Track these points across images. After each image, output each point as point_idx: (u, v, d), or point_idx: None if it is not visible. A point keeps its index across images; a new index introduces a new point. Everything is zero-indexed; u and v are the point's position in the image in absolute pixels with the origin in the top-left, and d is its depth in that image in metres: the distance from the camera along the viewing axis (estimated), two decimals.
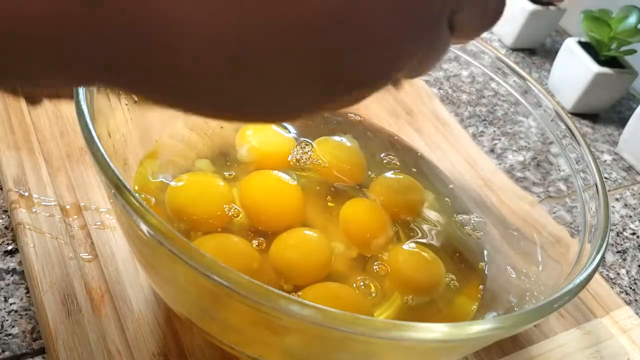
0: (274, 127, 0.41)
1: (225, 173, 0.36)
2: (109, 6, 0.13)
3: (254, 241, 0.33)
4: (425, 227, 0.38)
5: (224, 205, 0.33)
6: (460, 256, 0.37)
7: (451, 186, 0.41)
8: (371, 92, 0.18)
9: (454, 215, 0.39)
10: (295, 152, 0.39)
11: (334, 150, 0.40)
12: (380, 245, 0.35)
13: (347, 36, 0.15)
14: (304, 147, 0.39)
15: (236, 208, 0.34)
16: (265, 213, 0.34)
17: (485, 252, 0.37)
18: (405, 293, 0.33)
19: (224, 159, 0.37)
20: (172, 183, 0.34)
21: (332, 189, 0.38)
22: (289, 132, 0.41)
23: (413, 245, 0.36)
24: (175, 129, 0.38)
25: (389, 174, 0.40)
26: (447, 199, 0.40)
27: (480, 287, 0.35)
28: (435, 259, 0.35)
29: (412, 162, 0.42)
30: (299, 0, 0.14)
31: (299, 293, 0.31)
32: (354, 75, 0.16)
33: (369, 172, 0.40)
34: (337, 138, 0.42)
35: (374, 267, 0.34)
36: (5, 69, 0.14)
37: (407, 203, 0.39)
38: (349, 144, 0.41)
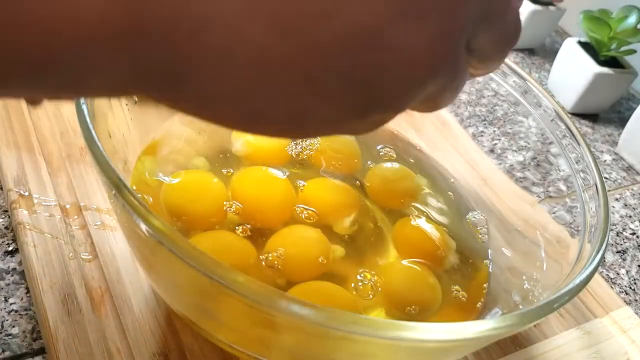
0: None
1: (223, 170, 0.36)
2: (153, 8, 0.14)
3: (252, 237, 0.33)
4: (428, 217, 0.38)
5: (220, 202, 0.33)
6: (465, 253, 0.37)
7: (452, 180, 0.41)
8: (388, 117, 0.18)
9: (458, 209, 0.39)
10: (292, 147, 0.39)
11: (329, 141, 0.41)
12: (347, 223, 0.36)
13: (376, 55, 0.15)
14: (302, 142, 0.40)
15: (236, 204, 0.34)
16: (256, 208, 0.35)
17: (490, 250, 0.37)
18: (394, 309, 0.33)
19: (221, 156, 0.37)
20: (167, 179, 0.34)
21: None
22: None
23: (411, 265, 0.35)
24: (172, 126, 0.38)
25: (386, 164, 0.41)
26: (449, 192, 0.40)
27: (485, 285, 0.35)
28: (433, 282, 0.34)
29: (411, 156, 0.42)
30: (328, 17, 0.15)
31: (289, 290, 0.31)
32: (378, 97, 0.16)
33: (368, 162, 0.40)
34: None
35: (371, 277, 0.33)
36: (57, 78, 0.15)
37: (403, 191, 0.39)
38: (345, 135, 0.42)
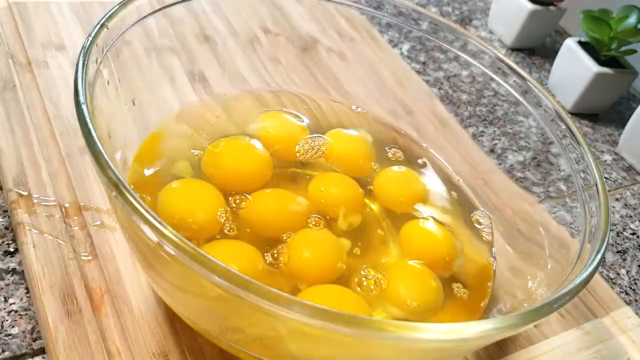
0: (288, 117, 0.42)
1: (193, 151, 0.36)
2: None
3: (267, 255, 0.32)
4: (434, 218, 0.38)
5: (217, 212, 0.33)
6: (469, 252, 0.37)
7: (458, 179, 0.41)
8: None
9: (462, 209, 0.39)
10: (303, 144, 0.39)
11: (343, 143, 0.41)
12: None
13: None
14: (314, 140, 0.40)
15: (228, 214, 0.34)
16: (232, 172, 0.36)
17: (494, 249, 0.37)
18: (396, 307, 0.33)
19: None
20: (163, 189, 0.33)
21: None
22: (303, 121, 0.42)
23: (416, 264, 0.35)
24: (167, 125, 0.38)
25: (394, 167, 0.41)
26: (453, 192, 0.40)
27: (489, 284, 0.35)
28: (436, 284, 0.34)
29: (417, 156, 0.42)
30: None
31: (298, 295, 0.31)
32: None
33: (373, 165, 0.40)
34: (351, 131, 0.42)
35: (375, 276, 0.33)
36: None
37: (409, 194, 0.39)
38: (357, 134, 0.42)
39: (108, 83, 0.30)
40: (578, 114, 0.63)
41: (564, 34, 0.75)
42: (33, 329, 0.31)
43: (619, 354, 0.38)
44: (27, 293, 0.33)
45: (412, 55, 0.55)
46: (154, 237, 0.21)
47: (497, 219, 0.39)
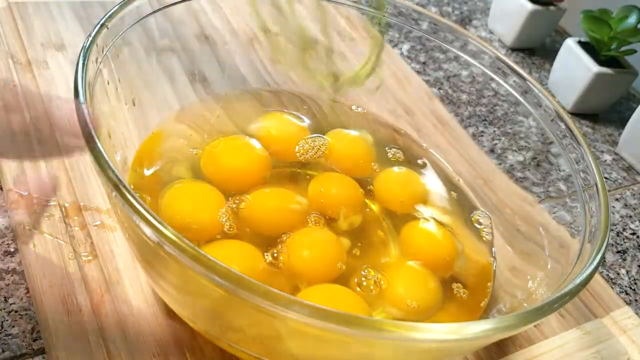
0: (288, 117, 0.42)
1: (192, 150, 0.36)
2: None
3: (266, 254, 0.32)
4: (434, 219, 0.38)
5: (219, 213, 0.33)
6: (469, 252, 0.37)
7: (458, 179, 0.41)
8: None
9: (462, 209, 0.39)
10: (303, 144, 0.39)
11: (343, 143, 0.41)
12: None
13: None
14: (314, 140, 0.40)
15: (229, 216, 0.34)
16: (228, 171, 0.35)
17: (494, 249, 0.37)
18: (395, 307, 0.33)
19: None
20: (165, 190, 0.33)
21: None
22: (303, 121, 0.42)
23: (415, 264, 0.35)
24: (169, 124, 0.38)
25: (394, 168, 0.41)
26: (453, 192, 0.40)
27: (489, 284, 0.35)
28: (436, 285, 0.34)
29: (417, 156, 0.42)
30: None
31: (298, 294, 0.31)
32: None
33: (373, 164, 0.40)
34: (351, 131, 0.42)
35: (375, 276, 0.33)
36: None
37: (409, 194, 0.39)
38: (357, 134, 0.42)
39: (108, 83, 0.30)
40: (578, 114, 0.63)
41: (564, 34, 0.75)
42: (33, 329, 0.31)
43: (619, 354, 0.38)
44: (27, 293, 0.33)
45: (412, 55, 0.55)
46: (154, 237, 0.21)
47: (497, 219, 0.39)
